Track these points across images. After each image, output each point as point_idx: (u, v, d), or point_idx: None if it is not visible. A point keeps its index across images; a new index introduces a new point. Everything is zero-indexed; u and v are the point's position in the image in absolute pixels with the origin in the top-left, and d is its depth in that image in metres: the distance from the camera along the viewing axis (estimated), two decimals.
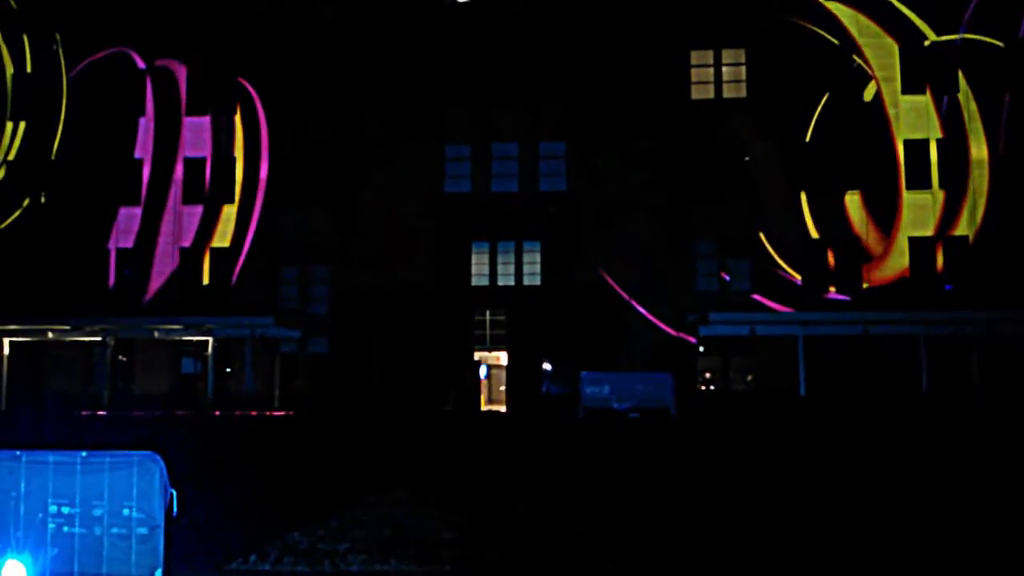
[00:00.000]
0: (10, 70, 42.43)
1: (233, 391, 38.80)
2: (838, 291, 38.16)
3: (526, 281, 39.87)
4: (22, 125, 42.04)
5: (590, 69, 39.25)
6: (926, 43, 38.60)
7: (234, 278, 40.34)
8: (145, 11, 41.15)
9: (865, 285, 38.05)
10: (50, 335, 38.16)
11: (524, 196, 40.00)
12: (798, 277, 38.32)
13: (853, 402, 33.90)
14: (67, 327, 37.44)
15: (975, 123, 38.10)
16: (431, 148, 40.21)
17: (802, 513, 13.34)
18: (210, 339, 37.05)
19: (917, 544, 11.11)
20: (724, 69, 39.78)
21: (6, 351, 37.65)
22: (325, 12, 40.61)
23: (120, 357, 39.86)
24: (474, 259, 40.20)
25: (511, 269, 40.05)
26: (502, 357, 40.41)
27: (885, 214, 38.26)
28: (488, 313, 40.06)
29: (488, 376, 42.22)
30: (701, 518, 12.97)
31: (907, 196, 38.24)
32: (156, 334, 38.03)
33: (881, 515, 13.05)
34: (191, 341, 38.88)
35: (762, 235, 38.53)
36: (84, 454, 8.30)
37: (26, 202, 41.57)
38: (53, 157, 41.54)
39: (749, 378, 38.73)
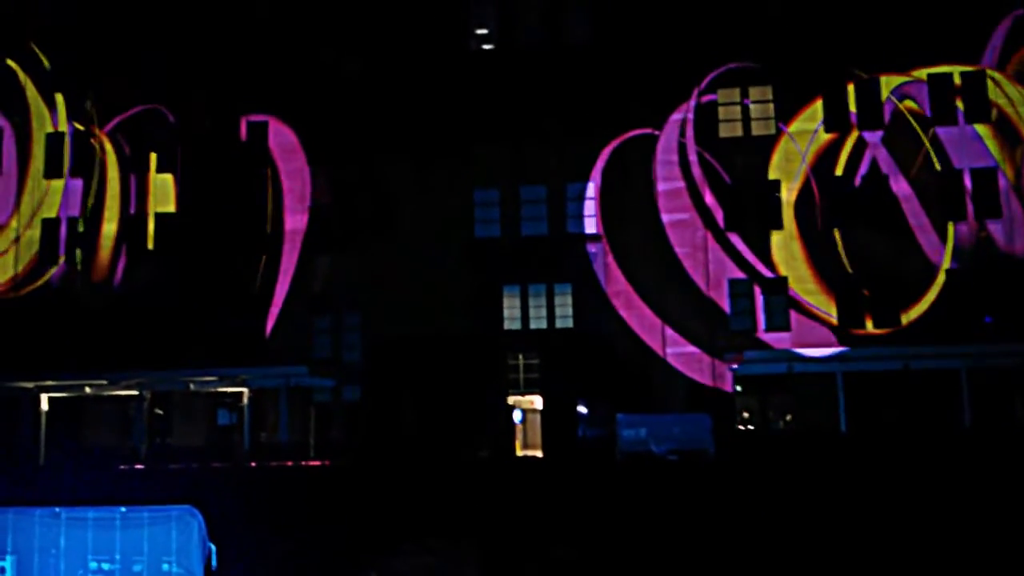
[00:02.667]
0: (46, 129, 43.34)
1: (268, 441, 38.78)
2: (875, 326, 37.60)
3: (558, 324, 39.68)
4: (57, 183, 42.80)
5: (616, 110, 39.37)
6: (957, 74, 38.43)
7: (268, 329, 40.62)
8: (173, 66, 41.80)
9: (903, 319, 37.45)
10: (87, 390, 38.43)
11: (554, 238, 40.00)
12: (834, 313, 37.83)
13: (897, 439, 33.15)
14: (104, 381, 37.71)
15: (1005, 151, 37.72)
16: (460, 193, 40.38)
17: (847, 560, 12.99)
18: (245, 390, 37.16)
19: None
20: (752, 107, 39.71)
21: (44, 407, 37.95)
22: (353, 61, 41.19)
23: (156, 410, 40.04)
24: (506, 303, 40.13)
25: (543, 312, 39.90)
26: (536, 401, 40.11)
27: (918, 247, 37.79)
28: (521, 357, 39.89)
29: (523, 421, 41.87)
30: (745, 567, 12.67)
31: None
32: (192, 386, 38.20)
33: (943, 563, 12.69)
34: (226, 392, 39.00)
35: (796, 271, 38.19)
36: (123, 510, 8.25)
37: (61, 258, 42.24)
38: (87, 214, 42.34)
39: (788, 417, 38.09)
